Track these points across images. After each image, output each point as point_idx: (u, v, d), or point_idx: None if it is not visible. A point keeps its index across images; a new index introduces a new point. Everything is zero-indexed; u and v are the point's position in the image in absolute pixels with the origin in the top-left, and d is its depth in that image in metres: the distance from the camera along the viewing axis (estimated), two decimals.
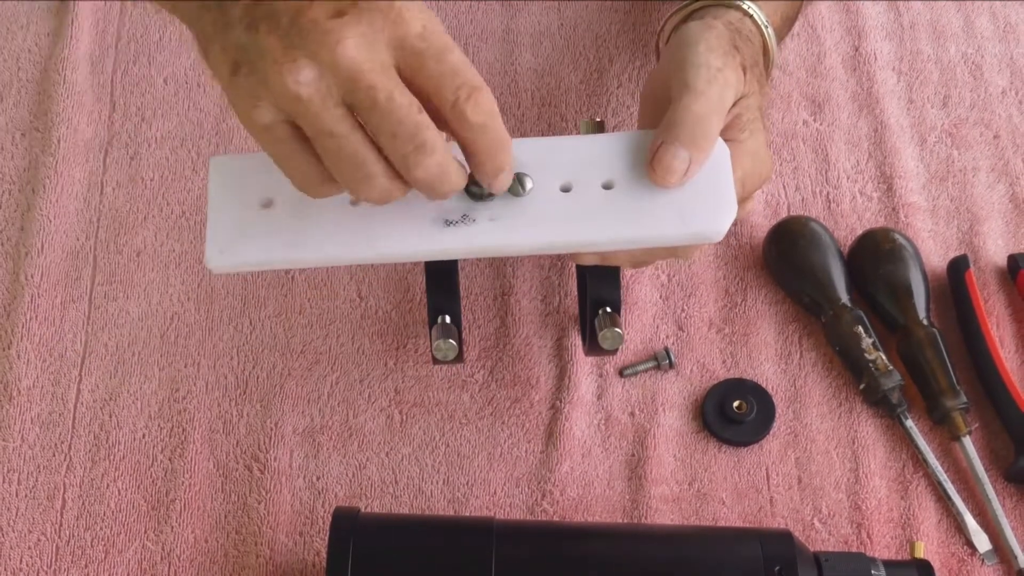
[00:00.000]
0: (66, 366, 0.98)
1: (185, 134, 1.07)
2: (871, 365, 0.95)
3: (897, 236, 1.00)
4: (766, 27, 0.90)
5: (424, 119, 0.69)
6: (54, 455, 0.94)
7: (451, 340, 0.86)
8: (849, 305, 0.97)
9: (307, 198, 0.77)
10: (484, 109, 0.70)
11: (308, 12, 0.67)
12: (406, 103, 0.68)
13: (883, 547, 0.91)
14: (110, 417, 0.96)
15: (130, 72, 1.10)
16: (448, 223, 0.77)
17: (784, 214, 1.04)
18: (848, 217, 1.04)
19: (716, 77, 0.81)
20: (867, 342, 0.96)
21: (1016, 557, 0.90)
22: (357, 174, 0.70)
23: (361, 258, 0.78)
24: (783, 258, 1.00)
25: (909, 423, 0.95)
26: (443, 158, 0.70)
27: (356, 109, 0.69)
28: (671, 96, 0.81)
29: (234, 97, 0.70)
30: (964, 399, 0.95)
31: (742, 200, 0.83)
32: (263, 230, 0.77)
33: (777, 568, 0.81)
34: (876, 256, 0.99)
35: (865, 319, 0.96)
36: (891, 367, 0.95)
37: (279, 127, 0.69)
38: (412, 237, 0.77)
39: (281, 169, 0.72)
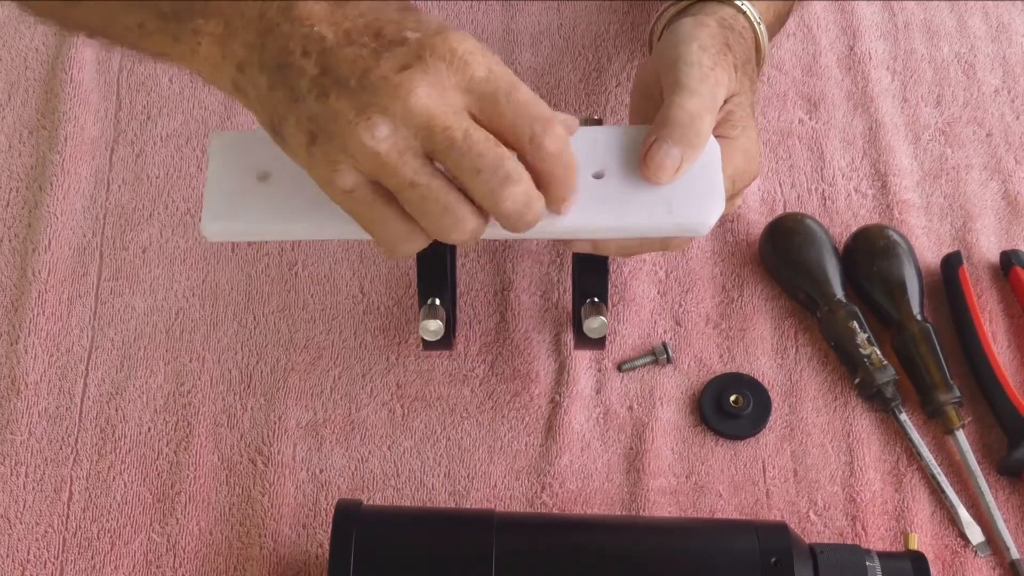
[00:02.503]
0: (73, 361, 0.98)
1: (190, 132, 1.08)
2: (866, 360, 0.96)
3: (891, 233, 1.01)
4: (759, 24, 0.90)
5: (504, 151, 0.70)
6: (61, 448, 0.95)
7: (438, 321, 0.86)
8: (844, 301, 0.98)
9: (304, 173, 0.78)
10: (561, 137, 0.72)
11: (375, 70, 0.68)
12: (483, 137, 0.70)
13: (877, 539, 0.92)
14: (116, 411, 0.97)
15: (136, 71, 1.11)
16: None
17: (780, 211, 1.05)
18: (843, 214, 1.05)
19: (708, 76, 0.82)
20: (862, 337, 0.96)
21: (1008, 549, 0.91)
22: (445, 220, 0.71)
23: (353, 233, 0.79)
24: (779, 255, 1.01)
25: (903, 417, 0.96)
26: (529, 186, 0.71)
27: (435, 154, 0.69)
28: (664, 93, 0.82)
29: (314, 168, 0.70)
30: (957, 393, 0.95)
31: (731, 197, 0.84)
32: (259, 201, 0.78)
33: (773, 560, 0.81)
34: (870, 252, 1.00)
35: (860, 315, 0.97)
36: (885, 362, 0.96)
37: (361, 189, 0.70)
38: None
39: (369, 232, 0.73)
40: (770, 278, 1.02)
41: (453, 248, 0.89)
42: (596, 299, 0.88)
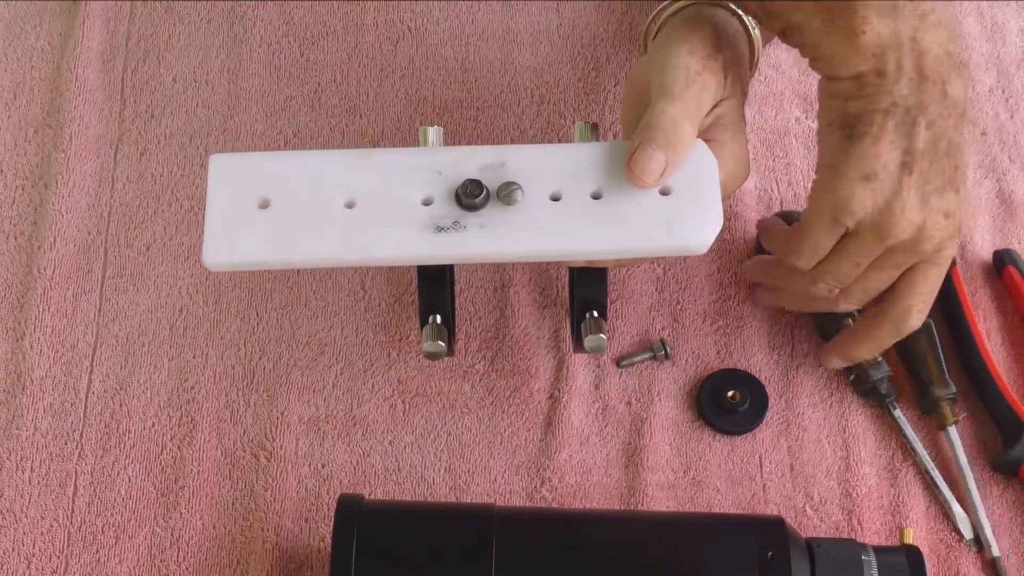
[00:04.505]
0: (78, 357, 0.99)
1: (193, 131, 1.09)
2: None
3: None
4: (753, 28, 0.90)
5: None
6: (66, 443, 0.96)
7: (440, 342, 0.87)
8: None
9: (303, 200, 0.79)
10: None
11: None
12: None
13: (873, 533, 0.93)
14: (120, 406, 0.97)
15: (140, 70, 1.11)
16: (439, 229, 0.79)
17: (776, 209, 1.05)
18: None
19: (694, 81, 0.82)
20: None
21: (990, 546, 0.91)
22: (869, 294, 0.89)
23: (354, 261, 0.80)
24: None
25: (897, 413, 0.96)
26: None
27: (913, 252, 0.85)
28: (651, 97, 0.83)
29: (906, 191, 0.81)
30: (952, 389, 0.96)
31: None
32: (259, 230, 0.79)
33: (770, 554, 0.82)
34: None
35: (855, 311, 0.98)
36: (880, 358, 0.96)
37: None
38: (404, 242, 0.79)
39: (798, 252, 0.87)
40: None
41: (451, 266, 0.90)
42: (595, 313, 0.89)
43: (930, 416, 0.97)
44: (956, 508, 0.93)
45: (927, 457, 0.95)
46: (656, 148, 0.79)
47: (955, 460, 0.95)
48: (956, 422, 0.96)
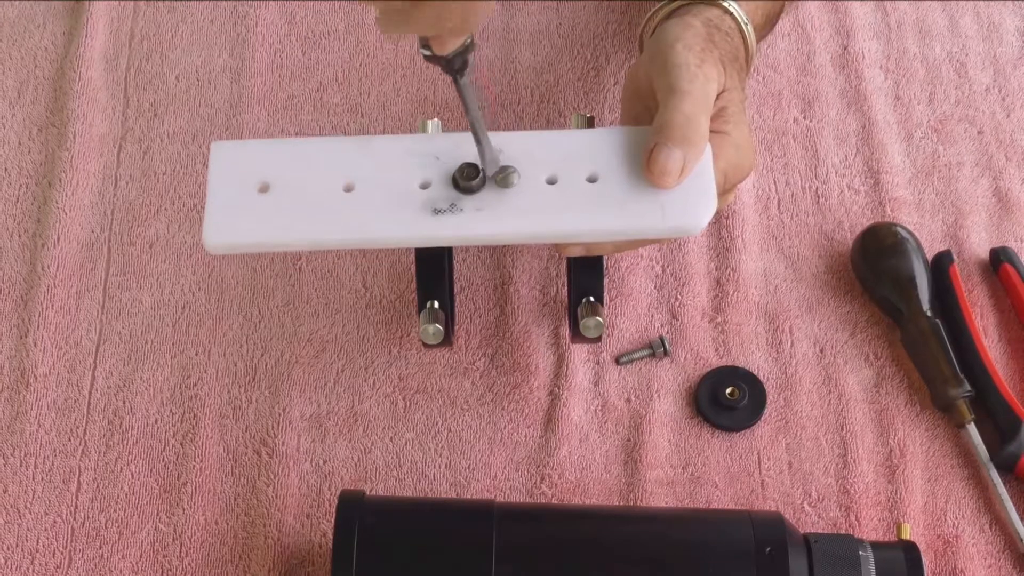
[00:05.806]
0: (81, 354, 0.99)
1: (196, 130, 1.09)
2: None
3: (899, 230, 1.01)
4: (746, 24, 0.91)
5: None
6: (69, 440, 0.96)
7: (437, 325, 0.87)
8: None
9: (303, 184, 0.80)
10: None
11: None
12: None
13: (871, 529, 0.93)
14: (124, 403, 0.98)
15: (143, 69, 1.12)
16: (436, 211, 0.80)
17: (774, 208, 1.05)
18: (836, 211, 1.05)
19: (697, 74, 0.83)
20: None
21: (1022, 540, 0.92)
22: None
23: (352, 242, 0.80)
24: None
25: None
26: None
27: None
28: (658, 97, 0.83)
29: None
30: (967, 387, 0.95)
31: (724, 192, 0.85)
32: (259, 212, 0.80)
33: (768, 549, 0.82)
34: (879, 250, 1.00)
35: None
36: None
37: None
38: (401, 223, 0.80)
39: None
40: (765, 274, 1.03)
41: (450, 250, 0.91)
42: (592, 298, 0.89)
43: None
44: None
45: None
46: (674, 147, 0.79)
47: (978, 458, 0.94)
48: (973, 419, 0.95)
